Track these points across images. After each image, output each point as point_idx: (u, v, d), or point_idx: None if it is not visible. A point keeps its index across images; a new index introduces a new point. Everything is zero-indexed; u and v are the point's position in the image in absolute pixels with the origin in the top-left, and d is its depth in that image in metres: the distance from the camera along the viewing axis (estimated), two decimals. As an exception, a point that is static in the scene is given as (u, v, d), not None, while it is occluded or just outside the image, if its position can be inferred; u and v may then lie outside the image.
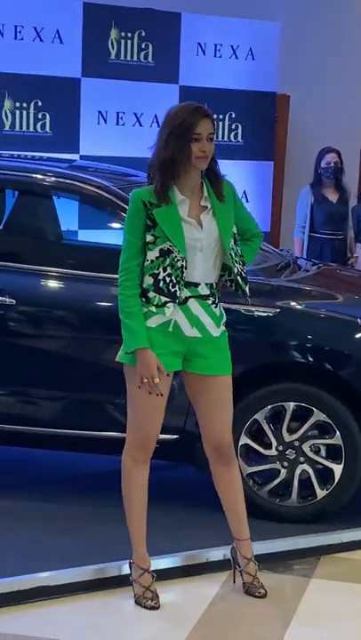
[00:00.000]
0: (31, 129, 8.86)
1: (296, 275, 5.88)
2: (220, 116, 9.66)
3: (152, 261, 4.19)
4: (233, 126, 9.90)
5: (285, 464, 5.21)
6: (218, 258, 4.30)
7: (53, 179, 5.73)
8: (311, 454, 5.20)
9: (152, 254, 4.19)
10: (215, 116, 4.28)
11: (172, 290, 4.19)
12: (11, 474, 5.98)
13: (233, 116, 9.86)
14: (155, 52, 9.37)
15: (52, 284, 5.49)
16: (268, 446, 5.22)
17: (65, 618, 4.28)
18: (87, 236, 7.43)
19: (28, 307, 5.42)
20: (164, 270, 4.18)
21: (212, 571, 4.69)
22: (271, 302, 5.25)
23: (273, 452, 5.22)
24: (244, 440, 5.19)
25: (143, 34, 9.29)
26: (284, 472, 5.22)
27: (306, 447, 5.19)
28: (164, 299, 4.19)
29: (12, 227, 5.99)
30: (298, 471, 5.20)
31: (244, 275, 4.36)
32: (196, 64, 9.61)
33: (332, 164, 8.98)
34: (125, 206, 4.44)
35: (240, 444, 5.16)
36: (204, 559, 4.73)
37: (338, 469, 5.17)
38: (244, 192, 9.78)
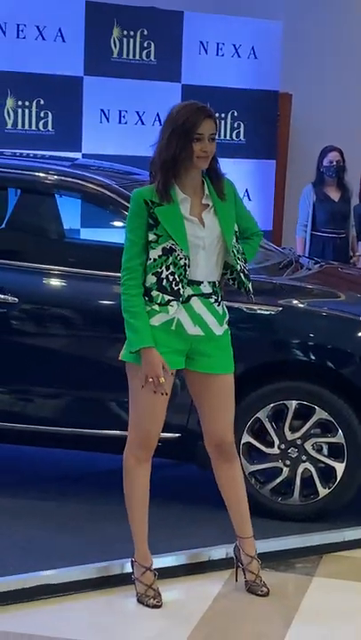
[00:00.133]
0: (33, 127, 8.86)
1: (298, 273, 5.87)
2: (223, 115, 9.65)
3: (155, 260, 4.19)
4: (235, 125, 9.90)
5: (288, 462, 5.21)
6: (220, 256, 4.30)
7: (56, 177, 5.73)
8: (313, 453, 5.20)
9: (155, 253, 4.19)
10: (217, 115, 4.29)
11: (175, 288, 4.19)
12: (11, 472, 5.98)
13: (235, 114, 9.86)
14: (157, 51, 9.37)
15: (55, 282, 5.49)
16: (271, 445, 5.22)
17: (67, 616, 4.28)
18: (89, 234, 7.42)
19: (30, 305, 5.42)
20: (167, 269, 4.18)
21: (215, 569, 4.69)
22: (273, 300, 5.25)
23: (275, 450, 5.22)
24: (246, 438, 5.19)
25: (145, 32, 9.29)
26: (286, 470, 5.22)
27: (308, 445, 5.19)
28: (167, 297, 4.19)
29: (15, 225, 6.00)
30: (300, 469, 5.20)
31: (246, 272, 4.37)
32: (199, 63, 9.61)
33: (335, 163, 8.97)
34: (127, 205, 4.44)
35: (242, 442, 5.16)
36: (206, 557, 4.73)
37: (340, 468, 5.17)
38: (247, 191, 9.78)
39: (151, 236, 4.19)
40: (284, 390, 5.21)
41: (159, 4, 9.41)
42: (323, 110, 10.86)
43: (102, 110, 9.18)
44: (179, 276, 4.19)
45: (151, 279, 4.20)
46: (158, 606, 4.34)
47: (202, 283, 4.26)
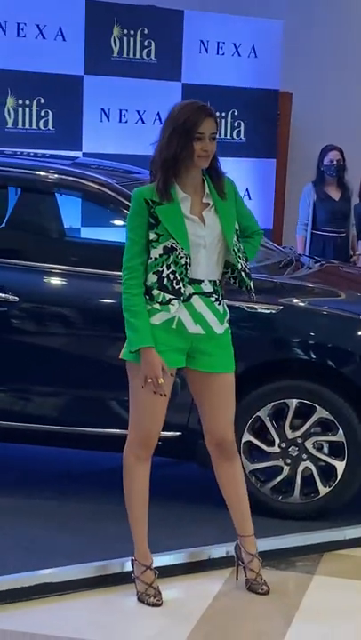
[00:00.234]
0: (34, 126, 8.86)
1: (299, 272, 5.88)
2: (223, 114, 9.66)
3: (156, 259, 4.19)
4: (235, 124, 9.90)
5: (288, 461, 5.21)
6: (221, 255, 4.30)
7: (56, 176, 5.73)
8: (314, 451, 5.20)
9: (155, 252, 4.19)
10: (218, 114, 4.28)
11: (177, 287, 4.19)
12: (11, 471, 5.98)
13: (235, 113, 9.87)
14: (157, 50, 9.37)
15: (55, 281, 5.49)
16: (271, 443, 5.22)
17: (67, 615, 4.28)
18: (90, 233, 7.42)
19: (30, 304, 5.42)
20: (168, 268, 4.19)
21: (215, 568, 4.69)
22: (274, 299, 5.25)
23: (276, 449, 5.22)
24: (246, 437, 5.19)
25: (146, 31, 9.29)
26: (286, 469, 5.22)
27: (308, 444, 5.20)
28: (168, 296, 4.19)
29: (15, 224, 6.00)
30: (300, 468, 5.20)
31: (247, 271, 4.37)
32: (199, 61, 9.61)
33: (335, 162, 8.98)
34: (128, 203, 4.44)
35: (243, 441, 5.16)
36: (206, 556, 4.73)
37: (340, 466, 5.17)
38: (247, 190, 9.78)
39: (152, 235, 4.19)
40: (284, 389, 5.21)
41: (159, 3, 9.41)
42: (323, 109, 10.87)
43: (103, 109, 9.18)
44: (180, 275, 4.19)
45: (152, 278, 4.20)
46: (159, 605, 4.34)
47: (203, 281, 4.27)
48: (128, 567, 4.46)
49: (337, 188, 9.07)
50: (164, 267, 4.19)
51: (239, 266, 4.31)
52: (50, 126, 8.92)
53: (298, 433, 5.20)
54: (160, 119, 8.97)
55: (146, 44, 9.32)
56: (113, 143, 9.02)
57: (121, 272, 4.26)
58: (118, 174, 6.06)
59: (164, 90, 9.24)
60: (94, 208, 5.85)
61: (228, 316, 4.39)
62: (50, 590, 4.41)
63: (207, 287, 4.28)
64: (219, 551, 4.73)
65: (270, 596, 4.44)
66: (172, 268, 4.19)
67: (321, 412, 5.16)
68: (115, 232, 5.78)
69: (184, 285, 4.20)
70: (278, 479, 5.24)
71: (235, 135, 9.93)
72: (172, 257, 4.18)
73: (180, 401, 4.86)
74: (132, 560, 4.42)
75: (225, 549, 4.68)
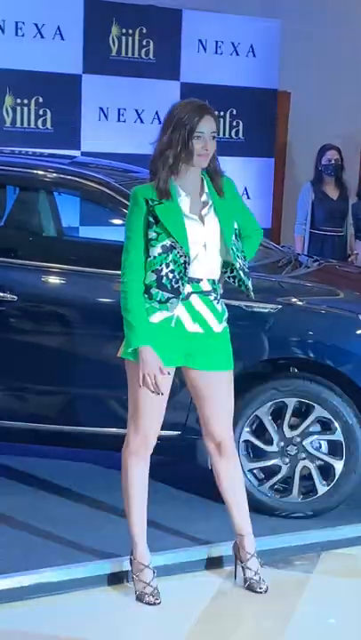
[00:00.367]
0: (32, 125, 8.86)
1: (297, 271, 5.87)
2: (221, 113, 9.65)
3: (155, 258, 4.19)
4: (234, 123, 9.90)
5: (286, 460, 5.21)
6: (220, 254, 4.30)
7: (54, 175, 5.72)
8: (312, 450, 5.20)
9: (154, 251, 4.19)
10: (216, 113, 4.27)
11: (175, 286, 4.19)
12: (9, 470, 5.97)
13: (234, 112, 9.87)
14: (156, 49, 9.37)
15: (54, 280, 5.49)
16: (270, 442, 5.22)
17: (65, 614, 4.28)
18: (88, 232, 7.42)
19: (29, 303, 5.42)
20: (167, 266, 4.19)
21: (214, 567, 4.69)
22: (272, 298, 5.25)
23: (274, 447, 5.22)
24: (245, 436, 5.19)
25: (144, 30, 9.29)
26: (285, 468, 5.22)
27: (307, 443, 5.20)
28: (167, 295, 4.19)
29: (14, 223, 6.00)
30: (299, 467, 5.20)
31: (246, 270, 4.37)
32: (197, 61, 9.61)
33: (333, 161, 8.98)
34: (126, 202, 4.44)
35: (241, 440, 5.17)
36: (204, 555, 4.73)
37: (339, 465, 5.17)
38: (245, 189, 9.79)
39: (151, 234, 4.19)
40: (283, 388, 5.21)
41: (158, 2, 9.41)
42: (321, 109, 10.86)
43: (101, 108, 9.18)
44: (178, 274, 4.19)
45: (151, 277, 4.20)
46: (157, 604, 4.34)
47: (201, 280, 4.27)
48: (126, 566, 4.46)
49: (335, 188, 9.07)
50: (163, 265, 4.19)
51: (238, 265, 4.31)
52: (48, 125, 8.92)
53: (296, 432, 5.20)
54: (158, 118, 8.98)
55: (144, 43, 9.32)
56: (111, 142, 9.01)
57: (120, 271, 4.26)
58: (117, 173, 6.05)
59: (162, 89, 9.24)
60: (93, 207, 5.84)
61: (226, 314, 4.39)
62: (48, 590, 4.41)
63: (206, 286, 4.28)
64: (217, 550, 4.73)
65: (269, 594, 4.45)
66: (171, 266, 4.19)
67: (319, 411, 5.16)
68: (113, 231, 5.78)
69: (183, 284, 4.21)
70: (277, 478, 5.24)
71: (233, 134, 9.93)
72: (170, 256, 4.19)
73: (179, 400, 4.87)
74: (131, 559, 4.42)
75: (223, 548, 4.69)
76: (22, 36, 8.74)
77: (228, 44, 9.80)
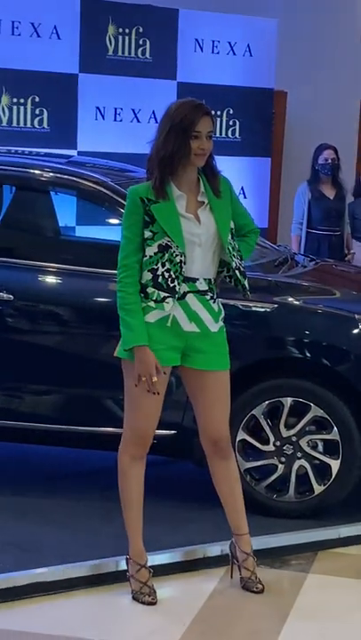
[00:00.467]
0: (29, 125, 8.86)
1: (294, 270, 5.88)
2: (218, 113, 9.66)
3: (151, 257, 4.19)
4: (230, 122, 9.90)
5: (283, 459, 5.21)
6: (216, 253, 4.30)
7: (51, 174, 5.72)
8: (309, 450, 5.20)
9: (151, 250, 4.19)
10: (213, 113, 4.27)
11: (171, 285, 4.19)
12: (6, 470, 5.98)
13: (230, 112, 9.87)
14: (152, 49, 9.37)
15: (50, 279, 5.49)
16: (266, 442, 5.22)
17: (61, 614, 4.28)
18: (85, 231, 7.42)
19: (25, 302, 5.42)
20: (163, 266, 4.19)
21: (210, 566, 4.69)
22: (269, 298, 5.26)
23: (270, 447, 5.22)
24: (241, 435, 5.19)
25: (141, 30, 9.30)
26: (281, 467, 5.22)
27: (303, 443, 5.20)
28: (162, 294, 4.19)
29: (10, 222, 5.99)
30: (295, 466, 5.21)
31: (242, 269, 4.37)
32: (194, 60, 9.61)
33: (330, 161, 8.99)
34: (123, 202, 4.44)
35: (238, 439, 5.17)
36: (201, 554, 4.73)
37: (335, 465, 5.18)
38: (242, 188, 9.79)
39: (147, 234, 4.19)
40: (279, 387, 5.21)
41: (155, 2, 9.41)
42: (318, 108, 10.87)
43: (98, 108, 9.17)
44: (174, 273, 4.19)
45: (147, 276, 4.20)
46: (153, 603, 4.33)
47: (197, 280, 4.27)
48: (123, 566, 4.46)
49: (332, 187, 9.08)
50: (159, 265, 4.19)
51: (234, 264, 4.31)
52: (45, 125, 8.92)
53: (293, 431, 5.20)
54: (155, 118, 8.98)
55: (141, 42, 9.32)
56: (108, 141, 9.02)
57: (116, 270, 4.26)
58: (113, 173, 6.05)
59: (159, 88, 9.25)
60: (89, 206, 5.85)
61: (222, 314, 4.39)
62: (44, 589, 4.41)
63: (202, 285, 4.28)
64: (214, 550, 4.73)
65: (265, 594, 4.44)
66: (167, 265, 4.19)
67: (316, 411, 5.16)
68: (110, 230, 5.78)
69: (179, 283, 4.20)
70: (273, 477, 5.24)
71: (230, 134, 9.93)
72: (167, 255, 4.18)
73: (175, 399, 4.86)
74: (127, 559, 4.42)
75: (220, 548, 4.69)
76: (19, 35, 8.74)
77: (224, 43, 9.81)
